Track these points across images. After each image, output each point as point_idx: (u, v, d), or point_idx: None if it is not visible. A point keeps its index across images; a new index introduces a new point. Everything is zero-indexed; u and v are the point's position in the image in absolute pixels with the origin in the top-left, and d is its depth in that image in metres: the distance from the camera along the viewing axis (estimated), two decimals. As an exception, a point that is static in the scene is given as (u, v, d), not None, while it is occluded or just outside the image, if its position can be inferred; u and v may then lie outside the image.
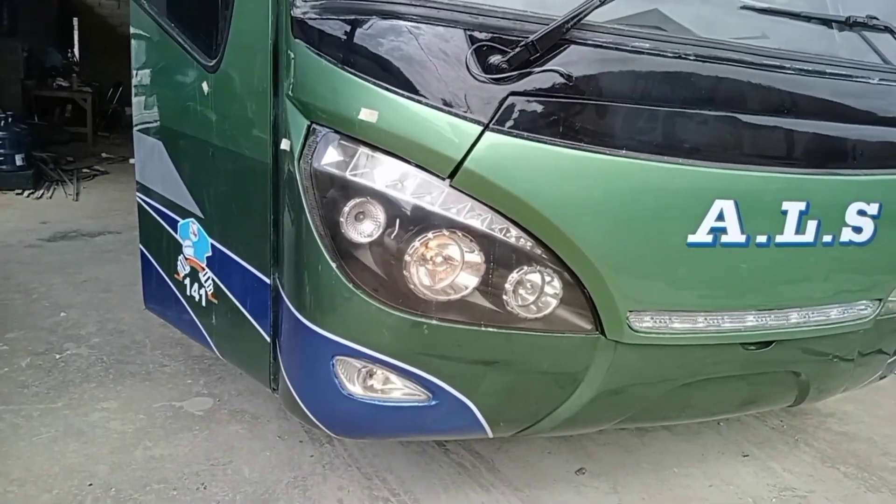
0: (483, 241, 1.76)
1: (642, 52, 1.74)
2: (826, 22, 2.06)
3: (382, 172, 1.73)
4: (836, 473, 2.76)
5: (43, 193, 6.65)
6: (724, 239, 1.89)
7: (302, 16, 1.76)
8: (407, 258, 1.75)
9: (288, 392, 2.08)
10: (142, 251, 2.94)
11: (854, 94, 2.01)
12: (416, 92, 1.67)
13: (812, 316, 2.13)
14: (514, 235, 1.78)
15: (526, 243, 1.79)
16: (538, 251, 1.80)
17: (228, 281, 2.36)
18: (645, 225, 1.83)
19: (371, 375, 1.93)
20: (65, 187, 6.94)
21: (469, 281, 1.78)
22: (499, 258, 1.78)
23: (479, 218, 1.75)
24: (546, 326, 1.88)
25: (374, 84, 1.69)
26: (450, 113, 1.67)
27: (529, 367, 1.95)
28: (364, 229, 1.76)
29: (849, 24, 2.04)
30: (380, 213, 1.74)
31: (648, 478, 2.64)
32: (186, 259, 2.57)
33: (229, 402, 2.94)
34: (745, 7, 1.97)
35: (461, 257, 1.76)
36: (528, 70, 1.67)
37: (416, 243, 1.74)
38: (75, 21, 11.77)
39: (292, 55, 1.81)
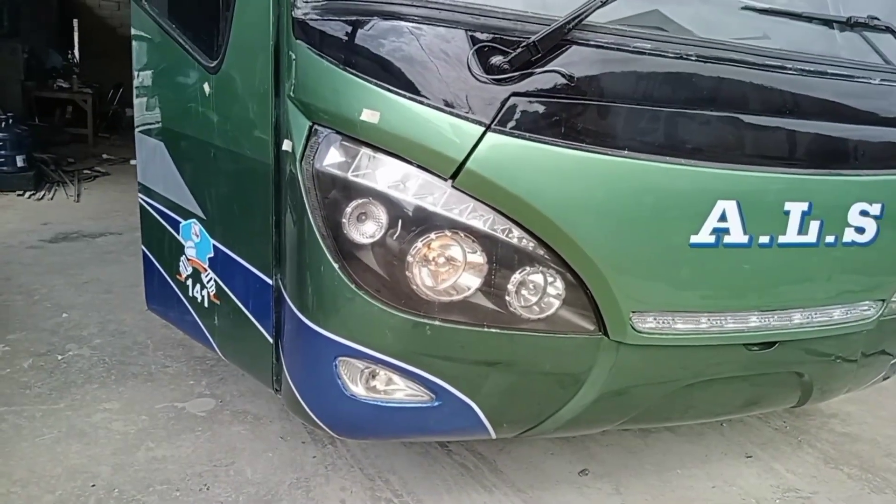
0: (485, 241, 1.76)
1: (644, 53, 1.74)
2: (827, 22, 2.05)
3: (384, 173, 1.73)
4: (839, 474, 2.75)
5: (44, 194, 6.65)
6: (727, 239, 1.88)
7: (303, 17, 1.76)
8: (409, 259, 1.74)
9: (291, 393, 2.07)
10: (144, 252, 2.94)
11: (855, 95, 2.01)
12: (417, 93, 1.67)
13: (815, 316, 2.13)
14: (516, 236, 1.78)
15: (528, 244, 1.79)
16: (540, 252, 1.80)
17: (231, 282, 2.36)
18: (647, 225, 1.83)
19: (374, 376, 1.93)
20: (66, 188, 6.94)
21: (471, 282, 1.78)
22: (501, 259, 1.78)
23: (481, 218, 1.75)
24: (549, 327, 1.87)
25: (376, 85, 1.69)
26: (451, 114, 1.67)
27: (532, 367, 1.95)
28: (366, 230, 1.76)
29: (850, 25, 2.04)
30: (382, 214, 1.74)
31: (651, 479, 2.63)
32: (188, 260, 2.57)
33: (231, 403, 2.94)
34: (746, 7, 1.96)
35: (463, 258, 1.76)
36: (529, 71, 1.66)
37: (419, 244, 1.74)
38: (75, 22, 11.77)
39: (294, 56, 1.81)
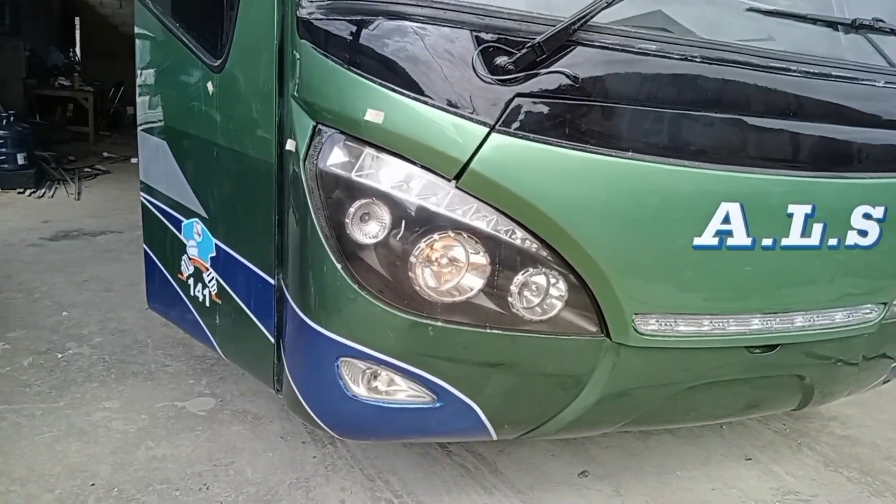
0: (488, 242, 1.76)
1: (648, 54, 1.74)
2: (832, 24, 2.05)
3: (388, 173, 1.72)
4: (839, 477, 2.75)
5: (45, 192, 6.64)
6: (730, 242, 1.88)
7: (308, 16, 1.76)
8: (412, 259, 1.74)
9: (292, 393, 2.07)
10: (145, 251, 2.94)
11: (860, 97, 2.01)
12: (421, 93, 1.67)
13: (817, 319, 2.13)
14: (519, 237, 1.77)
15: (531, 245, 1.79)
16: (543, 253, 1.80)
17: (232, 281, 2.36)
18: (651, 227, 1.83)
19: (375, 377, 1.92)
20: (66, 186, 6.94)
21: (474, 282, 1.78)
22: (504, 260, 1.78)
23: (484, 219, 1.74)
24: (551, 329, 1.87)
25: (380, 85, 1.68)
26: (456, 114, 1.66)
27: (534, 369, 1.95)
28: (369, 230, 1.75)
29: (854, 27, 2.04)
30: (385, 214, 1.73)
31: (651, 481, 2.63)
32: (190, 259, 2.57)
33: (231, 402, 2.94)
34: (751, 9, 1.96)
35: (466, 259, 1.76)
36: (534, 71, 1.66)
37: (422, 244, 1.73)
38: (77, 21, 11.76)
39: (298, 56, 1.80)
